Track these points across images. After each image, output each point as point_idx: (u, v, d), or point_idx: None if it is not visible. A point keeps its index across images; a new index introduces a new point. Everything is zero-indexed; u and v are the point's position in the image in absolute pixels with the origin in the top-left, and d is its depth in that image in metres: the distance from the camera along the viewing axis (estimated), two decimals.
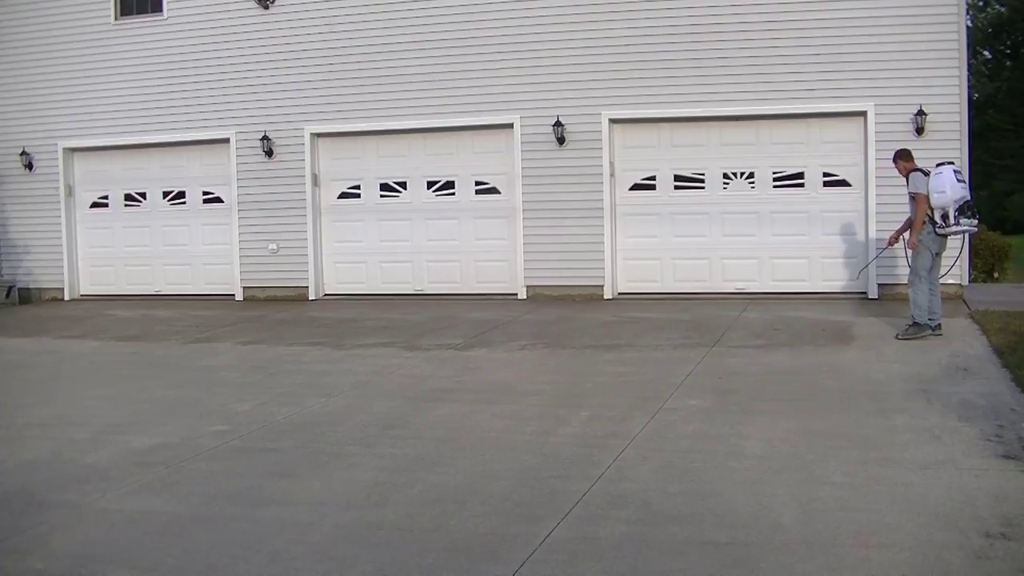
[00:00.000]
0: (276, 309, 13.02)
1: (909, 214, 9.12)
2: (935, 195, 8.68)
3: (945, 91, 11.61)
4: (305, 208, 13.94)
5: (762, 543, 4.17)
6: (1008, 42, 41.09)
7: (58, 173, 15.17)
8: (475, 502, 4.55)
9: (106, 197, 15.31)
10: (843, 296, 12.10)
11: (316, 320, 11.94)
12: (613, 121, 12.78)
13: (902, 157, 9.32)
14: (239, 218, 14.29)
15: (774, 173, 12.49)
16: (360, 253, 14.04)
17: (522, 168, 13.03)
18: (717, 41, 12.26)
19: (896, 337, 8.94)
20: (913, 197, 8.93)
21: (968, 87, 12.30)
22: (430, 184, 13.74)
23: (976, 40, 37.82)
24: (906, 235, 9.11)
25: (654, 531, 4.35)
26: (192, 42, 14.30)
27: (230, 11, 14.11)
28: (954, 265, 10.15)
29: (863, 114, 11.92)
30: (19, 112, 15.27)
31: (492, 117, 13.00)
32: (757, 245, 12.53)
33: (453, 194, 13.60)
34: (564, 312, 11.69)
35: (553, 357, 8.94)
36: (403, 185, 13.88)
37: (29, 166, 15.27)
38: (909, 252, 9.07)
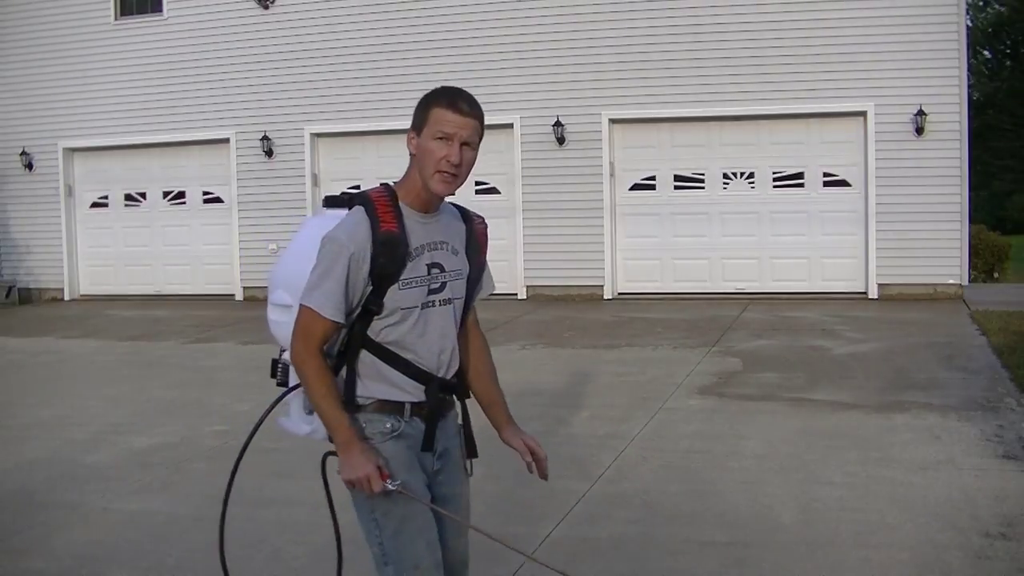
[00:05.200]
0: None
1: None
2: None
3: (945, 91, 11.60)
4: (305, 208, 13.93)
5: (762, 543, 4.17)
6: (1008, 42, 41.11)
7: (58, 173, 15.16)
8: (475, 502, 4.52)
9: (106, 197, 15.30)
10: (843, 296, 12.10)
11: None
12: (613, 121, 12.78)
13: None
14: (239, 218, 14.29)
15: (774, 173, 12.49)
16: None
17: (522, 168, 13.03)
18: (718, 41, 12.25)
19: None
20: None
21: (968, 87, 12.31)
22: None
23: (976, 40, 37.81)
24: None
25: (654, 531, 4.35)
26: (192, 42, 14.29)
27: (230, 11, 14.10)
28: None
29: (863, 114, 11.92)
30: (20, 112, 15.26)
31: (492, 117, 12.65)
32: (757, 245, 12.53)
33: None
34: (564, 312, 11.69)
35: (553, 357, 8.93)
36: None
37: (29, 166, 15.26)
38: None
